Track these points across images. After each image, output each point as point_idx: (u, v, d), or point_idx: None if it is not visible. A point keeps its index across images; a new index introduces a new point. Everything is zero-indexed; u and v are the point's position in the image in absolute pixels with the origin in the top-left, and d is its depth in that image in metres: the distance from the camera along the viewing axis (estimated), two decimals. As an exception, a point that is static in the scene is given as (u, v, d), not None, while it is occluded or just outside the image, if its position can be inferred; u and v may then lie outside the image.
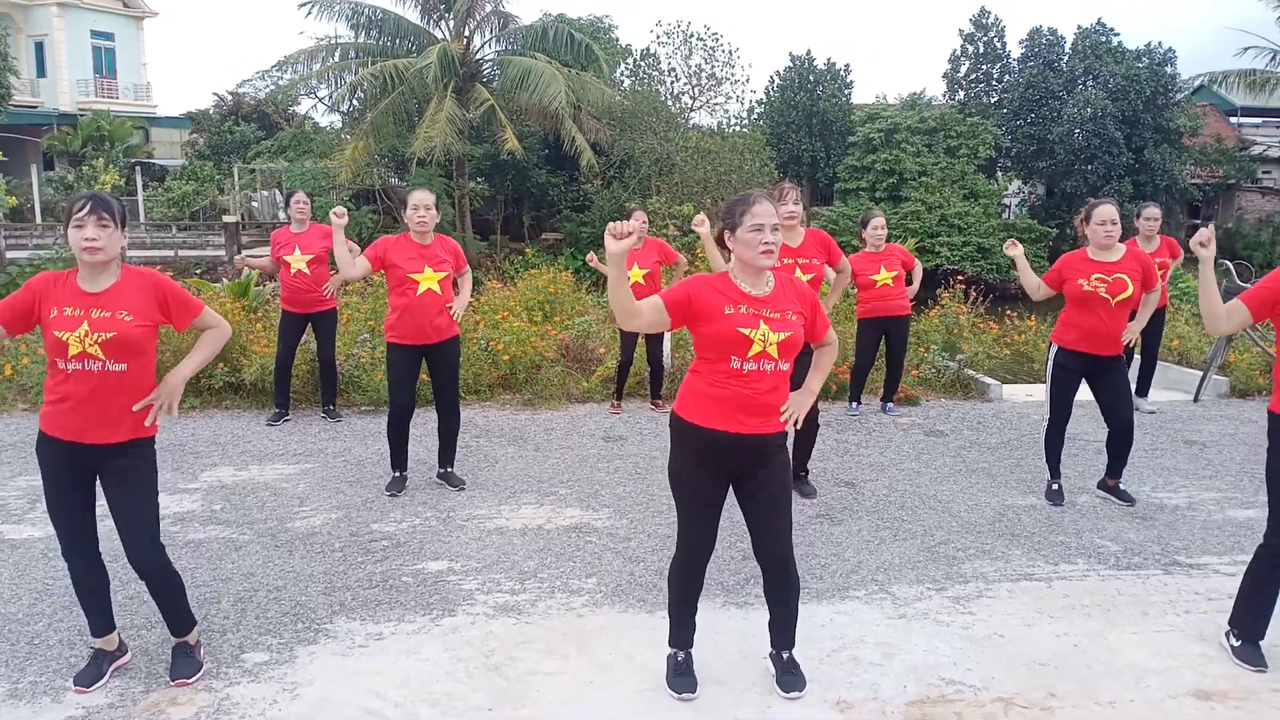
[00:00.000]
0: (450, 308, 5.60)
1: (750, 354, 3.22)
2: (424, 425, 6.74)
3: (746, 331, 3.21)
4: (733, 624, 4.08)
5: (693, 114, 32.27)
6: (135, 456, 3.42)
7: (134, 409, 3.35)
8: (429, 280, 5.49)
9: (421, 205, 5.50)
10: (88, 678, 3.54)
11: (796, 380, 3.49)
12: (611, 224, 3.01)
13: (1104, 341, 5.31)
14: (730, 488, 3.43)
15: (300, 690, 3.54)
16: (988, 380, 8.65)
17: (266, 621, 4.08)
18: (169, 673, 3.60)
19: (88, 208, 3.27)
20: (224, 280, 8.96)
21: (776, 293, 3.33)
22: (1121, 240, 5.46)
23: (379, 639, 3.94)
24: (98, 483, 3.46)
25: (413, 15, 27.28)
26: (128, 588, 4.22)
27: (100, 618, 3.59)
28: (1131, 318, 5.45)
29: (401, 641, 3.92)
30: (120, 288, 3.36)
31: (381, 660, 3.77)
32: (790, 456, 3.53)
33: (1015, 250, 5.80)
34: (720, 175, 27.64)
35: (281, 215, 29.02)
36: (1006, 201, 33.08)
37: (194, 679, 3.57)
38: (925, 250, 27.81)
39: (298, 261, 7.06)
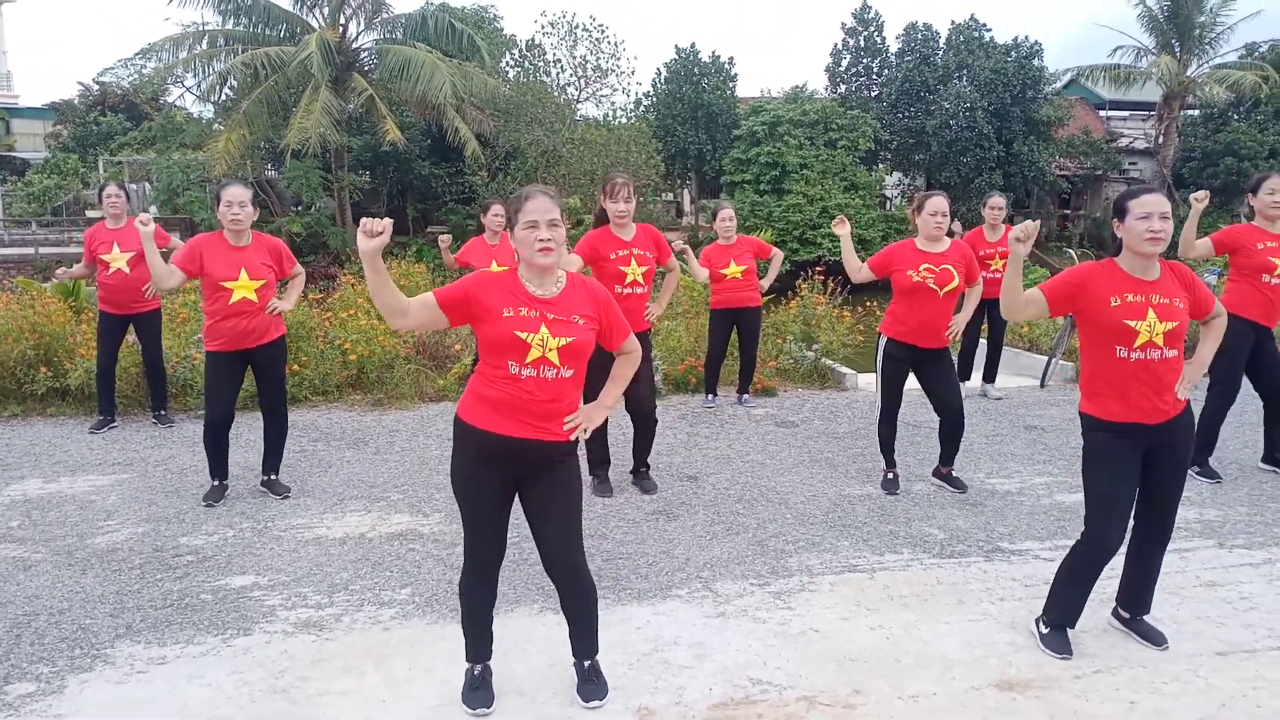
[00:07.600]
0: (272, 306, 5.30)
1: (528, 359, 3.03)
2: (256, 429, 6.43)
3: (524, 335, 3.01)
4: (546, 631, 3.93)
5: (579, 105, 32.15)
6: None
7: None
8: (244, 289, 5.15)
9: (235, 202, 5.11)
10: None
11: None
12: (364, 220, 2.82)
13: (930, 333, 5.35)
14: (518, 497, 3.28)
15: (61, 725, 3.28)
16: (844, 370, 8.72)
17: (42, 648, 3.78)
18: (-85, 712, 3.30)
19: None
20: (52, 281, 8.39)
21: (565, 294, 3.14)
22: (969, 229, 5.51)
23: (161, 663, 3.67)
24: None
25: (284, 1, 26.36)
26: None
27: None
28: (957, 310, 5.52)
29: (186, 665, 3.66)
30: None
31: (159, 687, 3.51)
32: (580, 466, 3.38)
33: (842, 229, 5.80)
34: (607, 167, 27.50)
35: (154, 210, 27.73)
36: (886, 193, 33.81)
37: (-58, 718, 3.28)
38: (807, 242, 28.23)
39: (117, 260, 6.62)
